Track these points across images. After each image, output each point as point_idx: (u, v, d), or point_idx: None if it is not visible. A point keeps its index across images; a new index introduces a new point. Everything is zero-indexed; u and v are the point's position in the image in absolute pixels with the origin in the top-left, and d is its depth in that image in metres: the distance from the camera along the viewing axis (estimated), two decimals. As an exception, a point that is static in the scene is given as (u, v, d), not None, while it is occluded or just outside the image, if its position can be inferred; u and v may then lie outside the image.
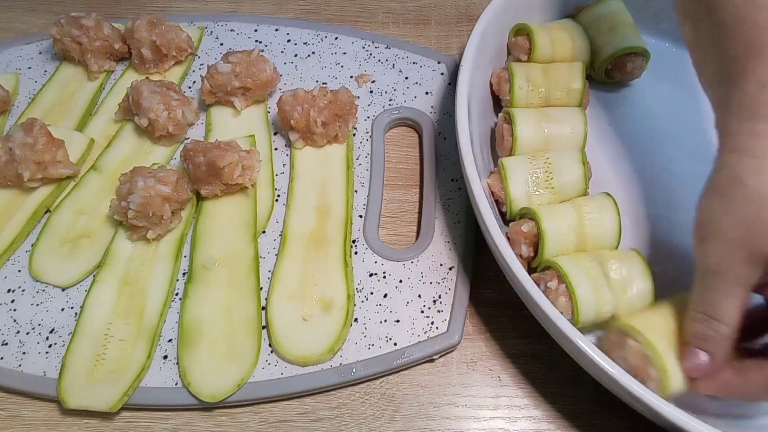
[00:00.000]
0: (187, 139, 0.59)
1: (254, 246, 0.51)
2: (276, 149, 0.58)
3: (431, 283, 0.50)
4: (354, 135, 0.59)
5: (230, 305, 0.48)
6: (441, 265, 0.51)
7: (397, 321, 0.48)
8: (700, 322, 0.39)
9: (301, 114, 0.54)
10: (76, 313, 0.48)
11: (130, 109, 0.57)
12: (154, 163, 0.54)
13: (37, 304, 0.49)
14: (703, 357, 0.39)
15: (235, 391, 0.44)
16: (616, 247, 0.48)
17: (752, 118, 0.37)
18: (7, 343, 0.47)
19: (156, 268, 0.50)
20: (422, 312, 0.49)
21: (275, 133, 0.59)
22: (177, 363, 0.46)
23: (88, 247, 0.51)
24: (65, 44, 0.60)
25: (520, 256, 0.47)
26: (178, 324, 0.47)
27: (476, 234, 0.52)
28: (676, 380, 0.40)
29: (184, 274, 0.50)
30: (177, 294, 0.49)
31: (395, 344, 0.47)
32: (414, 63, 0.65)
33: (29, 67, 0.64)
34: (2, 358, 0.46)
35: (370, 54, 0.65)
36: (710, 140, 0.59)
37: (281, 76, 0.62)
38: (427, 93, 0.62)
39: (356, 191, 0.55)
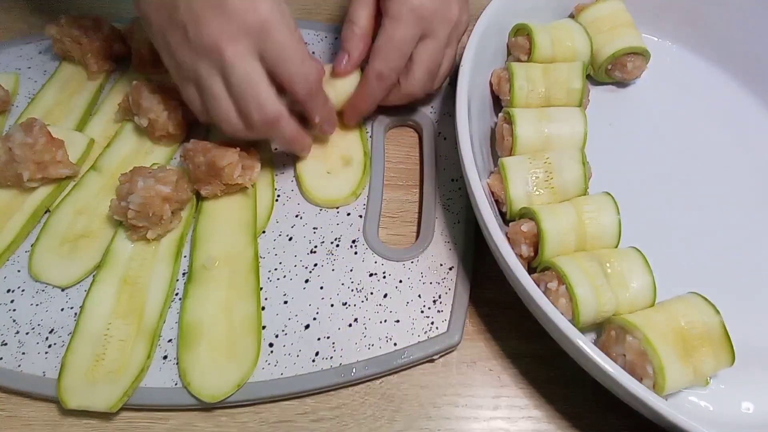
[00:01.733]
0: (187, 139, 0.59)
1: (254, 246, 0.51)
2: (276, 149, 0.58)
3: (431, 283, 0.50)
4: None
5: (230, 305, 0.48)
6: (441, 265, 0.51)
7: (397, 321, 0.48)
8: (344, 27, 0.54)
9: None
10: (75, 313, 0.48)
11: (130, 109, 0.57)
12: (154, 163, 0.54)
13: (37, 304, 0.49)
14: (343, 54, 0.54)
15: (235, 391, 0.44)
16: (616, 246, 0.48)
17: None
18: (6, 343, 0.47)
19: (156, 268, 0.50)
20: (422, 312, 0.49)
21: (275, 133, 0.59)
22: (177, 363, 0.46)
23: (88, 247, 0.51)
24: (65, 44, 0.60)
25: (520, 256, 0.47)
26: (178, 324, 0.47)
27: (476, 234, 0.52)
28: (673, 378, 0.40)
29: (184, 274, 0.50)
30: (177, 294, 0.49)
31: (395, 344, 0.47)
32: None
33: (29, 67, 0.64)
34: (2, 358, 0.46)
35: (370, 54, 0.65)
36: (710, 140, 0.60)
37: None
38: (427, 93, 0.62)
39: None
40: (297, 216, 0.54)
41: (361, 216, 0.54)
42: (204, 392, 0.43)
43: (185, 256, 0.51)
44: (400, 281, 0.50)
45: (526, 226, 0.47)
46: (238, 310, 0.47)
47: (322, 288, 0.50)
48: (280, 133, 0.50)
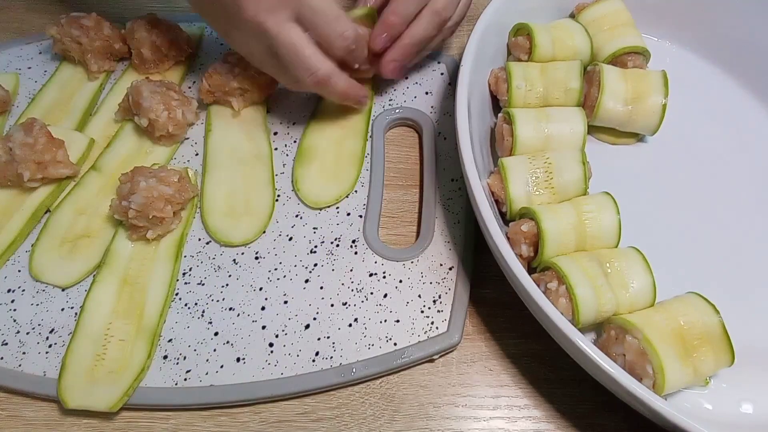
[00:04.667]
0: (188, 138, 0.59)
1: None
2: (276, 149, 0.58)
3: (431, 283, 0.50)
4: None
5: (341, 140, 0.58)
6: (441, 265, 0.51)
7: (397, 321, 0.48)
8: None
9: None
10: (76, 313, 0.48)
11: (130, 109, 0.57)
12: (154, 164, 0.54)
13: (37, 304, 0.49)
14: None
15: (335, 203, 0.54)
16: (616, 246, 0.48)
17: None
18: (7, 343, 0.47)
19: (156, 268, 0.50)
20: (422, 312, 0.49)
21: (275, 134, 0.59)
22: (179, 360, 0.46)
23: (88, 247, 0.51)
24: (65, 44, 0.60)
25: (520, 256, 0.47)
26: (297, 145, 0.58)
27: (476, 234, 0.52)
28: (673, 378, 0.40)
29: (184, 274, 0.50)
30: (177, 294, 0.49)
31: (395, 344, 0.47)
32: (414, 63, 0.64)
33: (29, 67, 0.64)
34: (2, 358, 0.46)
35: (370, 54, 0.65)
36: (710, 139, 0.60)
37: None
38: (427, 93, 0.62)
39: (356, 191, 0.55)
40: (297, 216, 0.54)
41: (361, 216, 0.54)
42: (309, 198, 0.54)
43: (185, 256, 0.51)
44: (400, 281, 0.50)
45: (526, 226, 0.47)
46: (348, 145, 0.57)
47: (322, 288, 0.50)
48: (334, 89, 0.53)
